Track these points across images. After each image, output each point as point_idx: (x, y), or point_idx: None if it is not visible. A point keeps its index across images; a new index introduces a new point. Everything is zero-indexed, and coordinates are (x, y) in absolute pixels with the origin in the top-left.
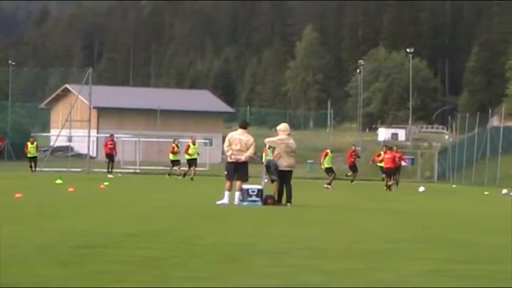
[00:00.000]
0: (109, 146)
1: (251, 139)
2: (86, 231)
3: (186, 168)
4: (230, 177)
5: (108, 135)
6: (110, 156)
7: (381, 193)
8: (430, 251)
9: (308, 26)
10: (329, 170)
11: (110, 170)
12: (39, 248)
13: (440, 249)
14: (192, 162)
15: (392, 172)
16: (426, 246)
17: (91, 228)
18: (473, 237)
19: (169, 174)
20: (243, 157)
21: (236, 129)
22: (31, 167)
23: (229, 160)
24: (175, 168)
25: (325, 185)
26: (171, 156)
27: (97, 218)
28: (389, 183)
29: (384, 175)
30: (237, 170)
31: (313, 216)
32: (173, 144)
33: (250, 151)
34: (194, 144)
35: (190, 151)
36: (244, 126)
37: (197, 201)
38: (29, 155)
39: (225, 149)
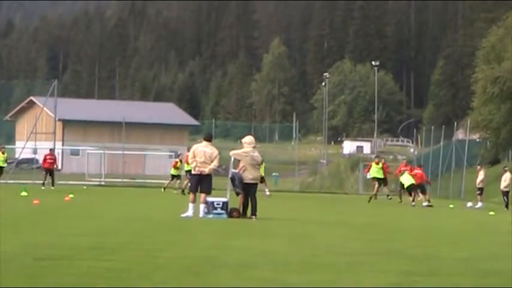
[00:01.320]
0: (48, 160)
1: (215, 152)
2: (50, 244)
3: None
4: (194, 189)
5: (49, 148)
6: (49, 171)
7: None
8: (392, 264)
9: (275, 38)
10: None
11: (45, 181)
12: (3, 260)
13: (401, 262)
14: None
15: (419, 188)
16: (388, 259)
17: (55, 240)
18: (435, 250)
19: (164, 188)
20: (206, 169)
21: (201, 142)
22: None
23: (193, 172)
24: (172, 182)
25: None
26: (172, 171)
27: (61, 231)
28: (419, 198)
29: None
30: (201, 183)
31: (277, 229)
32: (177, 159)
33: (214, 163)
34: None
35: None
36: (208, 138)
37: (161, 214)
38: None
39: (189, 161)
